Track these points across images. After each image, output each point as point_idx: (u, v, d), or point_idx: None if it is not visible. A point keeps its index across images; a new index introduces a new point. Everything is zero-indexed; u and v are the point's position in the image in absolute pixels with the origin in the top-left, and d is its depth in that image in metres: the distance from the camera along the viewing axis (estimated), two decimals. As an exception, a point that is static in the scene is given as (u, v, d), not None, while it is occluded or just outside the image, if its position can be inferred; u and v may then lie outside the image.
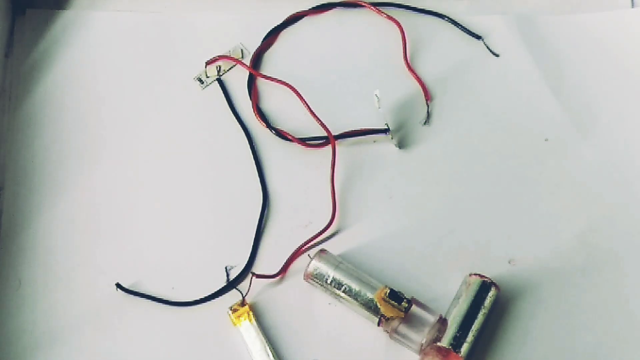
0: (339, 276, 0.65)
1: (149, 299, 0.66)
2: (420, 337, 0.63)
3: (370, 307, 0.64)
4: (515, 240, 0.69)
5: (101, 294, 0.67)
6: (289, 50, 0.78)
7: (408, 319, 0.63)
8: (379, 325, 0.64)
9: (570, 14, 0.80)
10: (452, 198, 0.71)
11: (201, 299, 0.67)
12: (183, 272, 0.68)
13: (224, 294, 0.67)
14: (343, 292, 0.65)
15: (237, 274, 0.68)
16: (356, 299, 0.64)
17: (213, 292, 0.67)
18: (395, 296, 0.63)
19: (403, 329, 0.63)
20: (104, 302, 0.67)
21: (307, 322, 0.66)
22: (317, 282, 0.65)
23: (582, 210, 0.70)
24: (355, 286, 0.65)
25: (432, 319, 0.63)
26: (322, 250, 0.67)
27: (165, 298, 0.67)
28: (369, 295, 0.64)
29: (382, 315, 0.63)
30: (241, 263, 0.68)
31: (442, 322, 0.63)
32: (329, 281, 0.65)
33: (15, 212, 0.70)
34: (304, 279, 0.66)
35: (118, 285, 0.67)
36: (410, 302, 0.64)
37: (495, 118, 0.74)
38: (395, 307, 0.63)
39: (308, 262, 0.66)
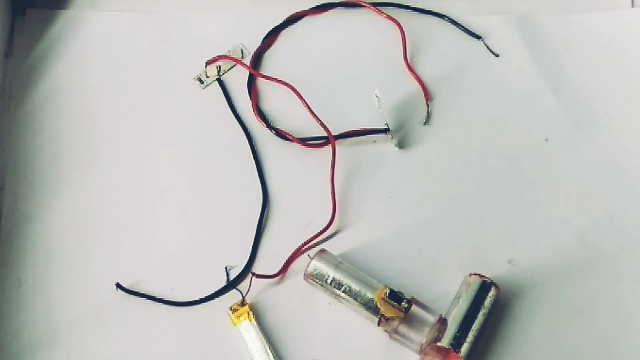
0: (339, 276, 0.65)
1: (149, 299, 0.66)
2: (420, 337, 0.63)
3: (370, 307, 0.64)
4: (515, 240, 0.69)
5: (101, 294, 0.67)
6: (289, 50, 0.78)
7: (408, 319, 0.63)
8: (379, 325, 0.64)
9: (570, 14, 0.80)
10: (452, 198, 0.71)
11: (201, 299, 0.67)
12: (183, 272, 0.68)
13: (224, 294, 0.67)
14: (343, 292, 0.65)
15: (237, 274, 0.68)
16: (356, 299, 0.64)
17: (213, 292, 0.67)
18: (395, 296, 0.63)
19: (403, 329, 0.63)
20: (104, 302, 0.67)
21: (307, 322, 0.66)
22: (317, 282, 0.65)
23: (582, 210, 0.70)
24: (355, 286, 0.65)
25: (432, 319, 0.63)
26: (322, 250, 0.67)
27: (165, 298, 0.67)
28: (369, 295, 0.64)
29: (382, 315, 0.63)
30: (241, 263, 0.68)
31: (442, 322, 0.63)
32: (329, 281, 0.65)
33: (15, 212, 0.70)
34: (304, 279, 0.66)
35: (118, 285, 0.67)
36: (410, 302, 0.64)
37: (495, 118, 0.74)
38: (395, 307, 0.63)
39: (308, 262, 0.66)
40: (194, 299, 0.67)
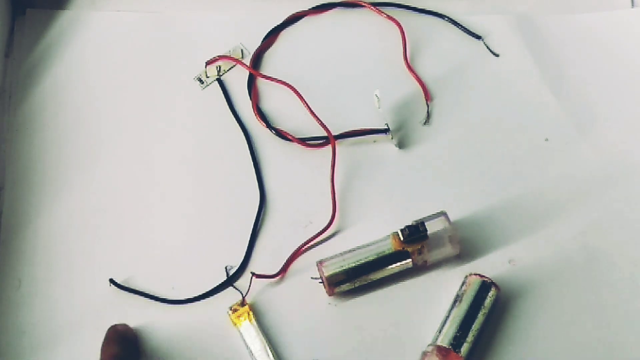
0: (354, 264, 0.65)
1: (148, 298, 0.66)
2: (452, 245, 0.65)
3: (398, 258, 0.64)
4: (515, 240, 0.69)
5: (101, 294, 0.67)
6: (289, 50, 0.78)
7: (429, 238, 0.65)
8: (413, 265, 0.65)
9: (570, 14, 0.80)
10: (452, 198, 0.71)
11: (195, 297, 0.66)
12: (183, 271, 0.68)
13: (219, 291, 0.67)
14: (370, 274, 0.65)
15: (232, 273, 0.67)
16: (384, 266, 0.65)
17: (209, 290, 0.67)
18: (414, 230, 0.64)
19: (433, 251, 0.65)
20: (103, 301, 0.67)
21: (307, 322, 0.66)
22: (341, 287, 0.65)
23: (582, 210, 0.70)
24: (372, 257, 0.65)
25: (442, 224, 0.65)
26: (320, 262, 0.66)
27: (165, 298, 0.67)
28: (388, 251, 0.65)
29: (411, 254, 0.64)
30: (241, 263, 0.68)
31: (446, 216, 0.66)
32: (351, 279, 0.65)
33: (15, 212, 0.70)
34: (330, 295, 0.65)
35: (118, 285, 0.66)
36: (423, 223, 0.64)
37: (496, 118, 0.74)
38: (416, 237, 0.64)
39: (320, 280, 0.65)
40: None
